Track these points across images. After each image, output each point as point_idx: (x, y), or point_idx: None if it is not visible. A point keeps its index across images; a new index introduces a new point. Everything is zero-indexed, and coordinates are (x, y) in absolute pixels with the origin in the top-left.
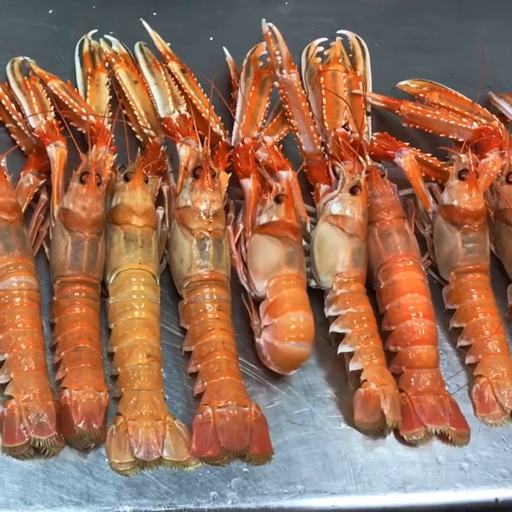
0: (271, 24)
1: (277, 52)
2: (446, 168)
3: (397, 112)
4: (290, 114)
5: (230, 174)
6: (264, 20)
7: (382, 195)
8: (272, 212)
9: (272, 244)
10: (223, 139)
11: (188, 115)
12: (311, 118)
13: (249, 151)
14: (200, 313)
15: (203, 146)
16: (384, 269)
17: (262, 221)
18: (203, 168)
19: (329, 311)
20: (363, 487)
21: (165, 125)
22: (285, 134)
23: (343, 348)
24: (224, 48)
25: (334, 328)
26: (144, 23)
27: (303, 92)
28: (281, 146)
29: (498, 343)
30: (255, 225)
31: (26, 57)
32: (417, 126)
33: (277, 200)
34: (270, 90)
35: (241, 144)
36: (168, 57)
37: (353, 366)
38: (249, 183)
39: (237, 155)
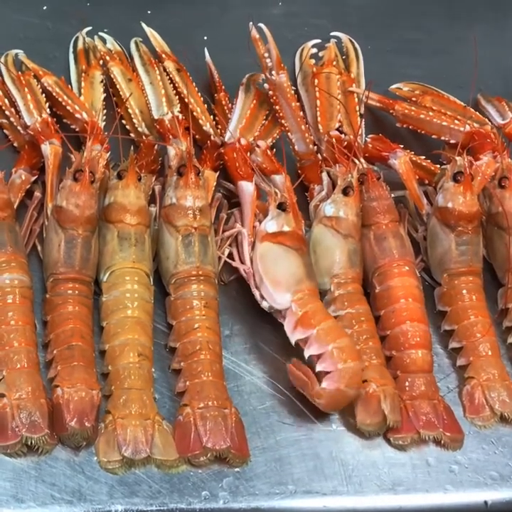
0: (261, 25)
1: (266, 55)
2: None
3: (391, 111)
4: (281, 114)
5: (217, 173)
6: (251, 23)
7: (378, 198)
8: (281, 221)
9: (290, 256)
10: (212, 137)
11: (180, 116)
12: (303, 118)
13: (248, 153)
14: (186, 309)
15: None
16: (379, 273)
17: (271, 229)
18: (187, 165)
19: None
20: (354, 488)
21: (157, 126)
22: (277, 136)
23: None
24: (205, 49)
25: None
26: (143, 24)
27: (292, 91)
28: (274, 150)
29: (489, 345)
30: (261, 231)
31: (19, 51)
32: (410, 127)
33: (282, 207)
34: (266, 112)
35: (237, 144)
36: (164, 56)
37: None
38: (250, 187)
39: (235, 155)
